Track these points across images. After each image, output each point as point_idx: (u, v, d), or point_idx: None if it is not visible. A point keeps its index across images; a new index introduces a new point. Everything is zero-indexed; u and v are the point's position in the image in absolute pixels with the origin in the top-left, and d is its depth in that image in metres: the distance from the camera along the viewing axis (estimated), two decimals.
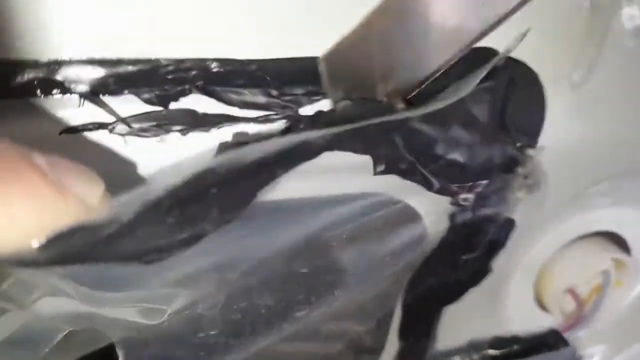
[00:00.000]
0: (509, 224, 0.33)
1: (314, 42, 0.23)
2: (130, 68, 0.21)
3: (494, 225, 0.32)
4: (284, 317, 0.29)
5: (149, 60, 0.21)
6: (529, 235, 0.36)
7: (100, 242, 0.16)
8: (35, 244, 0.15)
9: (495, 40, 0.25)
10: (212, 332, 0.28)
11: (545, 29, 0.26)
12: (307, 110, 0.25)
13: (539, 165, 0.29)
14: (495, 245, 0.34)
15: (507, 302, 0.40)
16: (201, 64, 0.22)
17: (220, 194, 0.19)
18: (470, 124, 0.27)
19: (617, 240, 0.41)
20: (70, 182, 0.16)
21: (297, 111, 0.24)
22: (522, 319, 0.40)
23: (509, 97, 0.27)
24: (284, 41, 0.23)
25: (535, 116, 0.28)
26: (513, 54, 0.26)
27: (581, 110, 0.29)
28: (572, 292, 0.40)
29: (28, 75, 0.21)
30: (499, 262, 0.35)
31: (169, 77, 0.22)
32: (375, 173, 0.27)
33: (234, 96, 0.23)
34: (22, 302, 0.26)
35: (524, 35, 0.24)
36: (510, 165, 0.29)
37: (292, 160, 0.23)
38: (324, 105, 0.25)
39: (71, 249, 0.15)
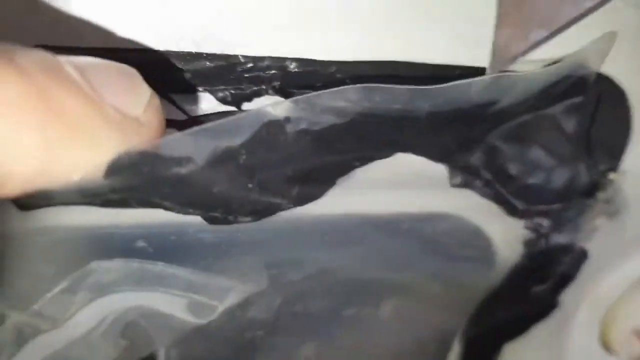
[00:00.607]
0: (583, 255, 0.31)
1: (394, 46, 0.22)
2: (207, 64, 0.21)
3: (569, 255, 0.30)
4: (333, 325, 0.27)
5: (227, 57, 0.21)
6: (599, 268, 0.34)
7: (170, 180, 0.15)
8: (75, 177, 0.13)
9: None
10: (259, 333, 0.26)
11: (634, 42, 0.25)
12: None
13: (621, 191, 0.27)
14: (566, 278, 0.32)
15: (570, 340, 0.37)
16: (280, 64, 0.21)
17: (302, 170, 0.18)
18: (553, 143, 0.25)
19: None
20: (108, 90, 0.14)
21: None
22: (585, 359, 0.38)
23: (596, 116, 0.26)
24: (365, 44, 0.22)
25: (620, 137, 0.27)
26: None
27: None
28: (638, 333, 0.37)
29: None
30: (566, 297, 0.33)
31: (246, 75, 0.21)
32: (452, 185, 0.25)
33: None
34: (56, 320, 0.24)
35: (610, 42, 0.23)
36: (591, 190, 0.27)
37: (369, 154, 0.22)
38: None
39: (137, 179, 0.14)
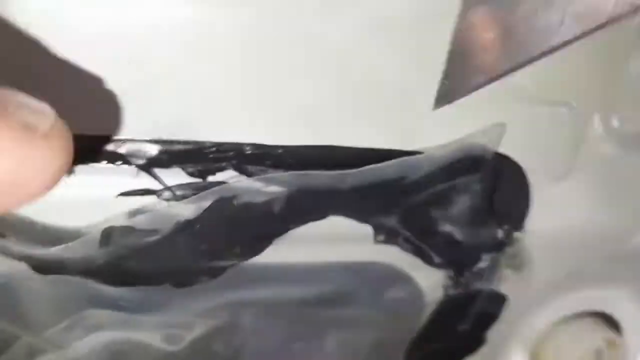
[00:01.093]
0: (501, 299, 0.37)
1: (330, 133, 0.28)
2: (180, 147, 0.27)
3: (486, 299, 0.36)
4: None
5: (196, 142, 0.27)
6: (523, 311, 0.39)
7: (143, 248, 0.21)
8: None
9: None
10: None
11: (528, 127, 0.31)
12: None
13: (525, 247, 0.33)
14: (489, 318, 0.38)
15: None
16: (238, 147, 0.27)
17: (242, 233, 0.24)
18: (460, 209, 0.31)
19: (609, 321, 0.43)
20: (14, 110, 0.15)
21: None
22: None
23: (497, 187, 0.31)
24: (308, 131, 0.28)
25: (522, 203, 0.33)
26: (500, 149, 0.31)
27: (565, 201, 0.33)
28: None
29: (100, 147, 0.26)
30: (494, 334, 0.38)
31: (211, 156, 0.27)
32: (376, 242, 0.31)
33: (261, 174, 0.28)
34: (60, 346, 0.30)
35: (501, 130, 0.29)
36: (499, 246, 0.33)
37: (303, 216, 0.28)
38: None
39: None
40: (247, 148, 0.27)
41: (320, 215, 0.28)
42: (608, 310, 0.43)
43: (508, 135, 0.30)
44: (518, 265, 0.33)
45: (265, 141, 0.28)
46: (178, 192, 0.28)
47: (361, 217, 0.29)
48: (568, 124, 0.31)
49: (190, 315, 0.29)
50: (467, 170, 0.30)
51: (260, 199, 0.26)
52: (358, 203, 0.28)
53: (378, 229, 0.31)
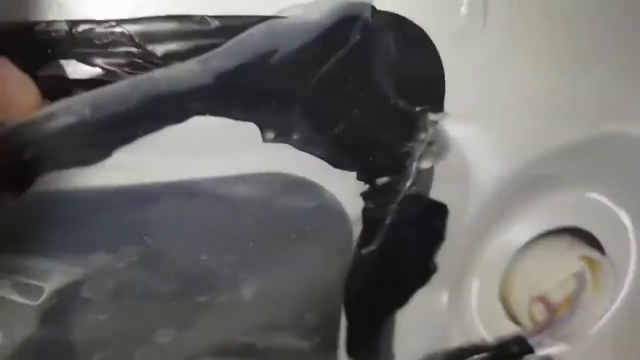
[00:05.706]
0: (441, 210, 0.31)
1: None
2: None
3: (421, 211, 0.30)
4: (187, 302, 0.28)
5: None
6: (476, 228, 0.33)
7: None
8: None
9: None
10: (102, 317, 0.26)
11: None
12: None
13: (444, 131, 0.27)
14: (432, 237, 0.32)
15: (471, 311, 0.36)
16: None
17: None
18: (358, 88, 0.26)
19: (590, 239, 0.37)
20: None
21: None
22: (488, 328, 0.37)
23: (399, 58, 0.26)
24: None
25: (434, 78, 0.27)
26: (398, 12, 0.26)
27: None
28: (542, 299, 0.36)
29: None
30: (446, 260, 0.32)
31: None
32: (265, 140, 0.26)
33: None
34: None
35: None
36: (411, 132, 0.27)
37: (157, 123, 0.23)
38: None
39: None
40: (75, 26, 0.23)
41: (180, 115, 0.23)
42: (584, 225, 0.37)
43: None
44: (437, 154, 0.28)
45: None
46: None
47: (238, 113, 0.24)
48: None
49: (47, 259, 0.24)
50: (348, 37, 0.25)
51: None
52: (230, 96, 0.24)
53: (264, 126, 0.26)
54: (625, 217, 0.37)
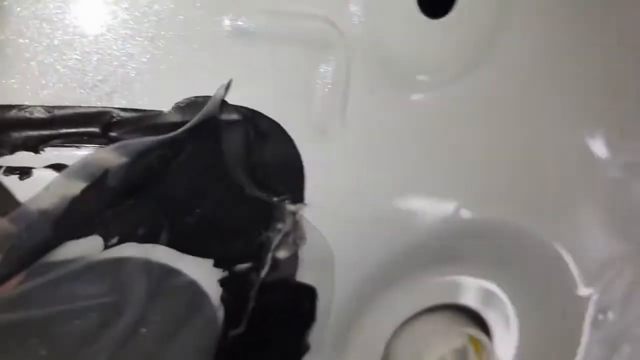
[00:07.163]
0: (309, 293, 0.31)
1: None
2: None
3: (287, 291, 0.30)
4: None
5: None
6: (349, 307, 0.33)
7: None
8: None
9: None
10: None
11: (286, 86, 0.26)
12: None
13: (302, 221, 0.27)
14: (303, 318, 0.31)
15: None
16: None
17: None
18: (217, 178, 0.26)
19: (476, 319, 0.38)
20: None
21: None
22: None
23: (254, 149, 0.26)
24: None
25: (292, 169, 0.27)
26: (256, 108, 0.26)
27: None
28: None
29: None
30: (319, 338, 0.32)
31: None
32: (109, 246, 0.25)
33: None
34: None
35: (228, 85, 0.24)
36: (268, 222, 0.27)
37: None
38: None
39: None
40: None
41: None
42: (459, 301, 0.37)
43: (254, 86, 0.25)
44: (293, 244, 0.27)
45: None
46: None
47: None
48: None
49: None
50: (198, 133, 0.25)
51: None
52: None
53: (107, 234, 0.25)
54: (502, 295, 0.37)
